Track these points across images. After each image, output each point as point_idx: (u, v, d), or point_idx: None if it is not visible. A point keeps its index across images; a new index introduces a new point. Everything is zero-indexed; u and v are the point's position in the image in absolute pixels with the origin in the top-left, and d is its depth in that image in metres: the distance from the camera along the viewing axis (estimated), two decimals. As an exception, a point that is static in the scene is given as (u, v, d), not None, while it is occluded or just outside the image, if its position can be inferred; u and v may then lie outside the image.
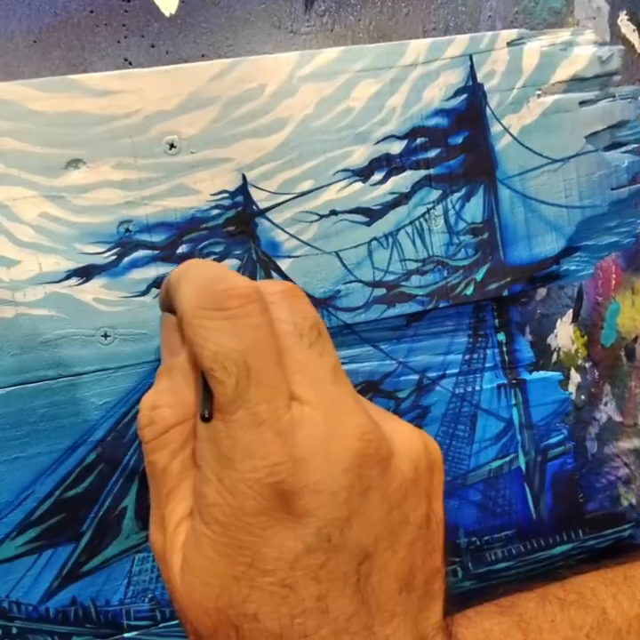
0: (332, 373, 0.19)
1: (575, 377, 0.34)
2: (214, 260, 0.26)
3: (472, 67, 0.28)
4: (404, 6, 0.31)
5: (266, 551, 0.17)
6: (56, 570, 0.25)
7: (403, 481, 0.19)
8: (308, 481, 0.17)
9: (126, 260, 0.25)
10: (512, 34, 0.28)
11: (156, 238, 0.25)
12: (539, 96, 0.28)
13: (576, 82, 0.29)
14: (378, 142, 0.27)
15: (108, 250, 0.25)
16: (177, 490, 0.19)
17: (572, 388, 0.33)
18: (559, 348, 0.33)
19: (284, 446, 0.17)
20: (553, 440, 0.31)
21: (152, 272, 0.25)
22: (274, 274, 0.27)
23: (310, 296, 0.27)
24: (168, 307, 0.22)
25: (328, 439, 0.18)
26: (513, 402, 0.30)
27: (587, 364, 0.34)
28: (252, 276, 0.26)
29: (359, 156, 0.27)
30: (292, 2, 0.30)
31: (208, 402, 0.18)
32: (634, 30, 0.34)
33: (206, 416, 0.18)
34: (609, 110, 0.29)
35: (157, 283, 0.25)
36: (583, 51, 0.29)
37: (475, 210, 0.28)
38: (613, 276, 0.34)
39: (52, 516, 0.25)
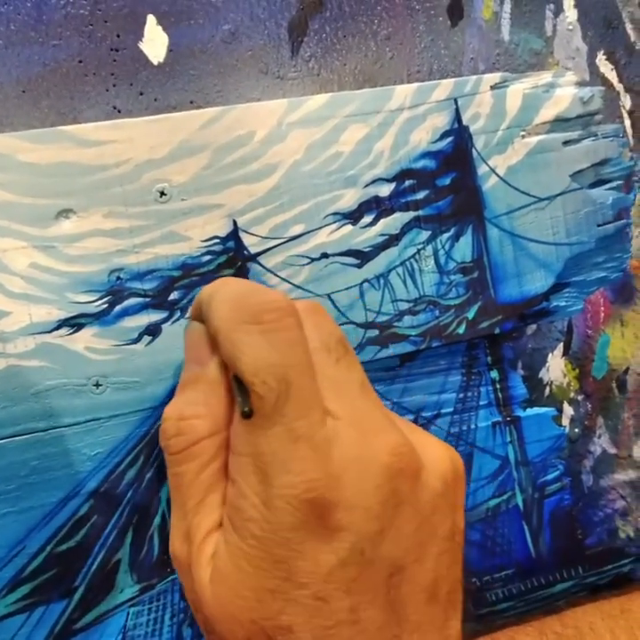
0: (360, 388, 0.20)
1: (568, 410, 0.34)
2: (206, 305, 0.26)
3: (457, 110, 0.28)
4: (388, 50, 0.32)
5: (301, 565, 0.17)
6: (48, 628, 0.25)
7: (433, 495, 0.19)
8: (343, 496, 0.17)
9: (118, 308, 0.25)
10: (495, 77, 0.29)
11: (148, 286, 0.25)
12: (523, 137, 0.29)
13: (559, 122, 0.29)
14: (367, 185, 0.27)
15: (100, 298, 0.25)
16: (205, 502, 0.19)
17: (565, 421, 0.33)
18: (551, 382, 0.33)
19: (320, 462, 0.17)
20: (549, 476, 0.31)
21: (144, 319, 0.25)
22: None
23: (303, 339, 0.27)
24: (198, 318, 0.22)
25: (361, 454, 0.18)
26: (508, 439, 0.30)
27: (579, 397, 0.34)
28: (245, 321, 0.26)
29: (349, 199, 0.27)
30: (279, 48, 0.31)
31: (247, 399, 0.18)
32: (612, 69, 0.35)
33: (248, 411, 0.18)
34: (592, 149, 0.30)
35: (149, 330, 0.25)
36: (565, 92, 0.29)
37: (464, 249, 0.28)
38: (602, 308, 0.34)
39: (44, 572, 0.24)
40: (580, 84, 0.30)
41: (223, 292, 0.20)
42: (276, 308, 0.19)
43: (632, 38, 0.36)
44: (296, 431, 0.18)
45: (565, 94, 0.29)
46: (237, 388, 0.19)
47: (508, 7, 0.34)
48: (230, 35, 0.30)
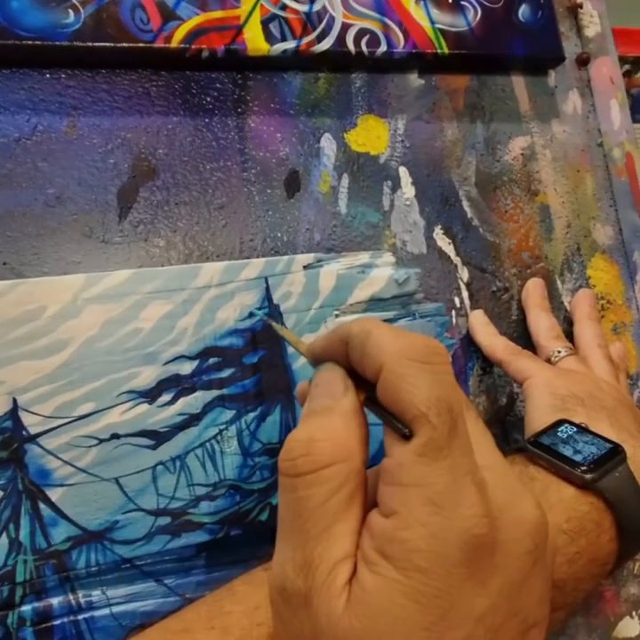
0: (491, 439, 0.20)
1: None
2: (-27, 491, 0.24)
3: (268, 288, 0.28)
4: (221, 218, 0.32)
5: (457, 605, 0.17)
6: None
7: (552, 553, 0.20)
8: (501, 539, 0.18)
9: None
10: (309, 257, 0.29)
11: None
12: (337, 316, 0.29)
13: (375, 302, 0.30)
14: (167, 363, 0.26)
15: None
16: (331, 530, 0.19)
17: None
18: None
19: (485, 501, 0.18)
20: None
21: None
22: (42, 504, 0.24)
23: (84, 529, 0.25)
24: (331, 357, 0.22)
25: (509, 503, 0.19)
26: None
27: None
28: (17, 509, 0.24)
29: (147, 376, 0.26)
30: (106, 213, 0.31)
31: (404, 425, 0.18)
32: (449, 243, 0.37)
33: (408, 433, 0.18)
34: (408, 329, 0.30)
35: None
36: (381, 273, 0.30)
37: (271, 429, 0.27)
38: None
39: None
40: (396, 265, 0.31)
41: (383, 331, 0.20)
42: (441, 352, 0.20)
43: (469, 215, 0.38)
44: (463, 467, 0.18)
45: (381, 275, 0.30)
46: (392, 418, 0.19)
47: (345, 182, 0.35)
48: (54, 199, 0.30)
